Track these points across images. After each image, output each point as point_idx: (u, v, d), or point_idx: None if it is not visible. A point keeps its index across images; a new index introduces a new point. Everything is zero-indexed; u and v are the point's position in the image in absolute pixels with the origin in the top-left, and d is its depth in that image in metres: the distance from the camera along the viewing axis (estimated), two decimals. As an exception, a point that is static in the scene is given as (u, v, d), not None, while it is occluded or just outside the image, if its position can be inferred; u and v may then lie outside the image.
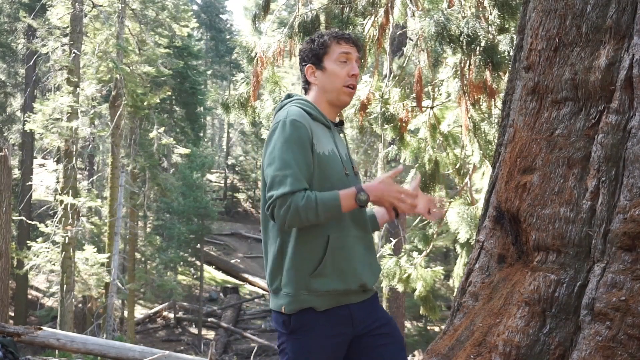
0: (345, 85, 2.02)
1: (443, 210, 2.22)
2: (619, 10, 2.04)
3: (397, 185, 1.90)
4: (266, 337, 19.49)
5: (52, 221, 13.52)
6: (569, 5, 2.18)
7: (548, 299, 2.04)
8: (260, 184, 34.34)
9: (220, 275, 25.46)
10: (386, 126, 5.37)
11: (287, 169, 1.81)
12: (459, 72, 4.98)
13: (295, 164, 1.82)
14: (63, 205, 12.96)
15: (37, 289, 20.00)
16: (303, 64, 2.07)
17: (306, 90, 2.09)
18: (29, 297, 18.99)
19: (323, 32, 2.09)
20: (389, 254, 6.20)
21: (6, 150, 7.07)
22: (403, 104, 5.29)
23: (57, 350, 6.52)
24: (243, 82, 5.44)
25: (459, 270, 6.05)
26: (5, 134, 21.24)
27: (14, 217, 13.01)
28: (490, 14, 4.61)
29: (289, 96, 2.09)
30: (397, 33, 7.80)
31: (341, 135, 2.14)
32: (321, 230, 1.88)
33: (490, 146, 5.10)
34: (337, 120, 2.13)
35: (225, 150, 37.32)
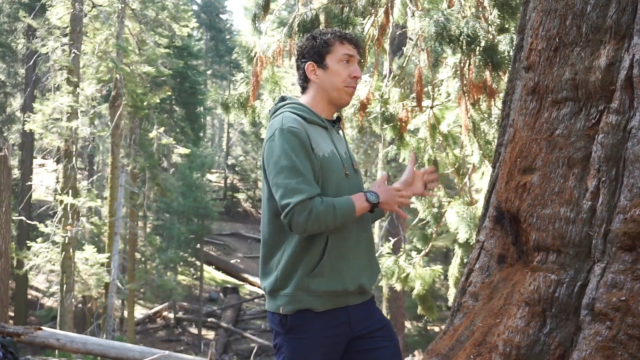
0: (346, 85, 2.01)
1: (436, 177, 2.26)
2: (619, 10, 2.04)
3: (391, 186, 1.98)
4: (266, 337, 19.49)
5: (52, 221, 13.51)
6: (569, 5, 2.18)
7: (548, 299, 2.04)
8: (260, 184, 34.03)
9: (220, 275, 25.45)
10: (386, 126, 5.37)
11: (298, 176, 1.82)
12: (458, 72, 4.98)
13: (304, 171, 1.83)
14: (63, 205, 12.96)
15: (37, 289, 19.99)
16: (303, 60, 2.03)
17: (304, 88, 2.07)
18: (29, 297, 18.98)
19: (325, 30, 2.06)
20: (388, 253, 6.20)
21: (6, 150, 7.07)
22: (403, 104, 5.29)
23: (57, 351, 6.52)
24: (243, 82, 5.42)
25: (454, 270, 6.05)
26: (5, 134, 21.23)
27: (13, 217, 13.02)
28: (490, 14, 4.60)
29: (282, 99, 2.07)
30: (397, 33, 7.80)
31: (340, 132, 2.13)
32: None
33: (490, 146, 5.09)
34: (335, 117, 2.11)
35: (225, 150, 37.31)
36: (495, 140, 3.75)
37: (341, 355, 1.96)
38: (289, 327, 1.90)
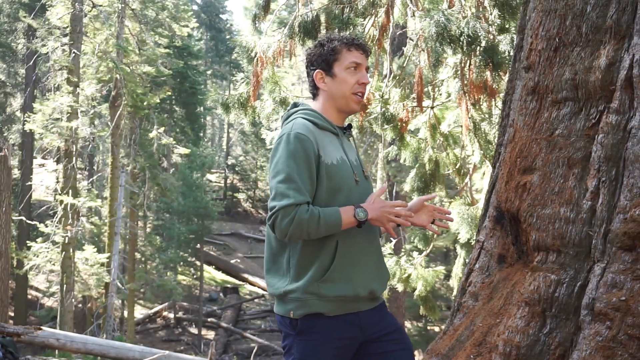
0: (354, 92, 2.00)
1: (449, 218, 2.22)
2: (619, 10, 2.04)
3: (389, 201, 1.94)
4: (266, 337, 19.50)
5: (52, 221, 13.52)
6: (569, 5, 2.18)
7: (548, 299, 2.04)
8: (260, 184, 33.91)
9: (220, 275, 25.46)
10: (386, 126, 5.37)
11: (290, 182, 1.82)
12: (459, 72, 4.98)
13: (298, 178, 1.83)
14: (63, 205, 12.96)
15: (37, 289, 20.00)
16: (312, 68, 2.03)
17: (314, 95, 2.07)
18: (29, 297, 18.99)
19: (333, 37, 2.04)
20: (389, 254, 6.20)
21: (6, 150, 7.07)
22: (403, 104, 5.29)
23: (57, 350, 6.52)
24: (243, 82, 5.43)
25: (457, 270, 6.05)
26: (5, 134, 21.24)
27: (14, 217, 13.01)
28: (491, 14, 4.60)
29: (295, 105, 2.07)
30: (397, 33, 7.79)
31: (350, 139, 2.13)
32: (330, 236, 1.88)
33: (490, 146, 5.09)
34: (346, 124, 2.11)
35: (225, 150, 37.32)
36: (496, 140, 3.75)
37: (352, 358, 1.95)
38: (300, 329, 1.89)
